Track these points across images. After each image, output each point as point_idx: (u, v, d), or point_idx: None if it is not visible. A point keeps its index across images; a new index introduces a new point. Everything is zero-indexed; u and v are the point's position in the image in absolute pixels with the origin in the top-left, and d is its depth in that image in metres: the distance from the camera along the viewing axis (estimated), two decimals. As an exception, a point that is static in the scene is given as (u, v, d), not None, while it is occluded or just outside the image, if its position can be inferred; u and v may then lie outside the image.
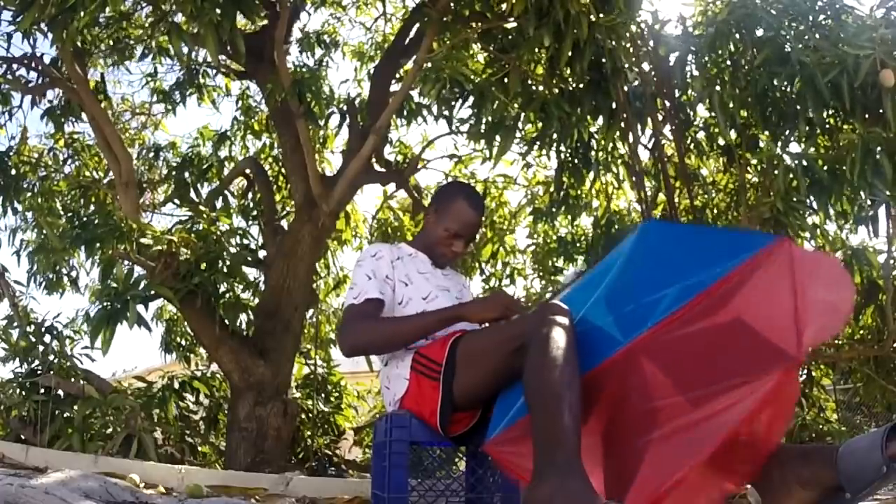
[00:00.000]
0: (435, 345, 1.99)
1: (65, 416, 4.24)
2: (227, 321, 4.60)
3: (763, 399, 1.34)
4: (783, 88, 3.44)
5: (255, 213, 6.02)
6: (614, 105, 3.89)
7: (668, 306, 1.42)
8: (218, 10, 3.50)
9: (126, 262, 4.44)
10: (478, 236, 2.27)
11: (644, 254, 1.62)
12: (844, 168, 3.22)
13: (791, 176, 3.36)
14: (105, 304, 4.05)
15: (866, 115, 3.27)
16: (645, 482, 1.34)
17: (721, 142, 3.96)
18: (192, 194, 5.97)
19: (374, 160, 5.30)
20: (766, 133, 3.71)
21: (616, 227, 5.26)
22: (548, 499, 1.30)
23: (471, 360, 1.87)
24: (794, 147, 3.53)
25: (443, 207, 2.28)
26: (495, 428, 1.66)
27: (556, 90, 3.89)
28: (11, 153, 5.44)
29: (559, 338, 1.53)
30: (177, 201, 6.02)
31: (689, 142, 4.22)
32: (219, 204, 5.71)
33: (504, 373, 1.75)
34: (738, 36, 3.41)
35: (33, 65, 5.01)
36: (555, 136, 4.01)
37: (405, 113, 5.20)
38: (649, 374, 1.41)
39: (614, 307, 1.55)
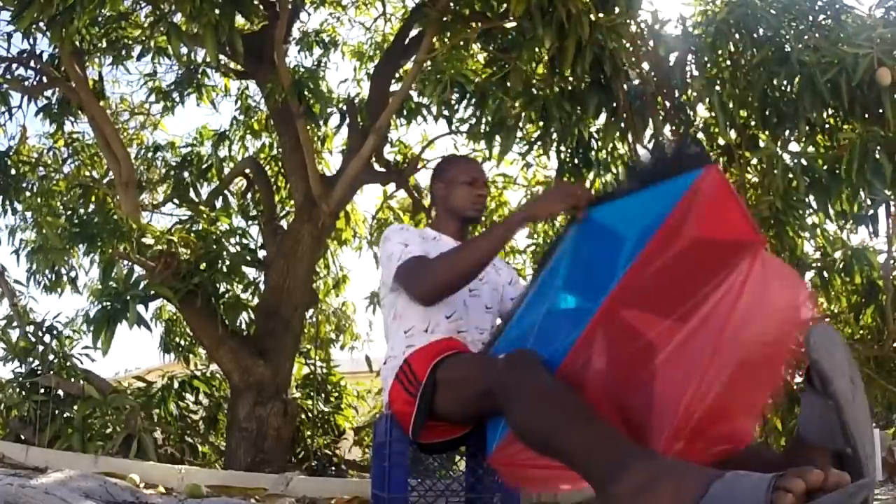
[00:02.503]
0: (424, 356, 1.95)
1: (65, 416, 4.24)
2: (227, 321, 4.60)
3: (744, 286, 1.38)
4: (783, 88, 3.44)
5: (254, 213, 6.02)
6: (615, 105, 3.89)
7: (626, 261, 1.42)
8: (217, 11, 3.50)
9: (126, 262, 4.45)
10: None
11: (587, 236, 1.65)
12: (844, 167, 3.22)
13: (790, 175, 3.36)
14: (105, 304, 4.05)
15: (866, 115, 3.28)
16: (664, 409, 1.32)
17: (721, 142, 3.96)
18: (192, 194, 5.97)
19: (374, 160, 5.30)
20: (766, 133, 3.71)
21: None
22: (641, 487, 1.13)
23: (450, 387, 1.82)
24: (794, 147, 3.54)
25: (446, 175, 2.28)
26: (492, 441, 1.64)
27: (557, 90, 3.89)
28: (11, 153, 5.44)
29: (527, 380, 1.42)
30: (176, 201, 6.02)
31: (689, 142, 4.22)
32: (218, 204, 5.71)
33: (480, 406, 1.71)
34: (737, 36, 3.42)
35: (32, 63, 5.02)
36: (555, 135, 4.01)
37: (405, 113, 5.20)
38: (632, 318, 1.40)
39: (576, 288, 1.57)
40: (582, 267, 1.59)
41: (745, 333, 1.38)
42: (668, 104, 3.98)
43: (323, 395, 5.75)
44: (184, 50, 4.70)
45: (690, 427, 1.30)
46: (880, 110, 3.18)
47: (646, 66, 3.92)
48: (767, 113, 3.48)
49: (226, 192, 5.92)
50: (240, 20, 4.47)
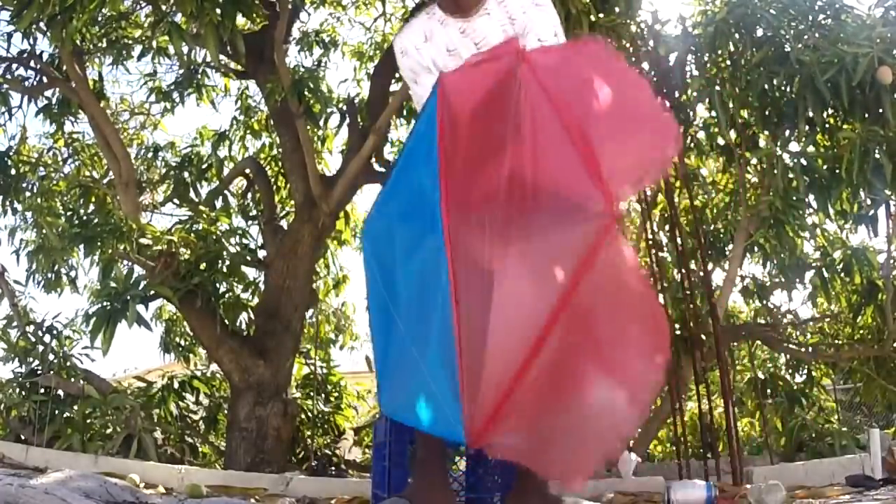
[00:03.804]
0: None
1: (65, 416, 4.24)
2: (227, 321, 4.60)
3: (529, 92, 1.30)
4: (783, 88, 3.44)
5: (254, 213, 6.02)
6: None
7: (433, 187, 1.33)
8: (218, 10, 3.50)
9: (126, 262, 4.44)
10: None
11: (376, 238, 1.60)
12: (844, 167, 3.22)
13: (791, 175, 3.36)
14: (105, 303, 4.05)
15: (865, 114, 3.27)
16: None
17: (721, 141, 3.97)
18: (192, 194, 5.96)
19: (374, 160, 5.29)
20: (766, 132, 3.71)
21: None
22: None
23: None
24: (794, 146, 3.54)
25: None
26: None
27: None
28: (11, 153, 5.44)
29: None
30: (176, 201, 6.01)
31: (689, 141, 4.22)
32: (218, 204, 5.70)
33: None
34: (737, 36, 3.42)
35: (32, 63, 5.01)
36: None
37: (405, 113, 5.20)
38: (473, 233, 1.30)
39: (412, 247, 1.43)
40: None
41: (578, 108, 1.32)
42: (668, 104, 3.99)
43: (323, 395, 5.74)
44: (185, 49, 4.69)
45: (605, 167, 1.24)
46: (880, 110, 3.18)
47: (646, 65, 3.92)
48: (767, 113, 3.48)
49: (226, 192, 5.92)
50: (240, 20, 4.46)
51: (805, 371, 5.66)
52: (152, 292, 4.20)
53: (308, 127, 4.80)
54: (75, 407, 4.27)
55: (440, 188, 1.29)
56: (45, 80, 5.09)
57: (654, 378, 1.25)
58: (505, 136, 1.32)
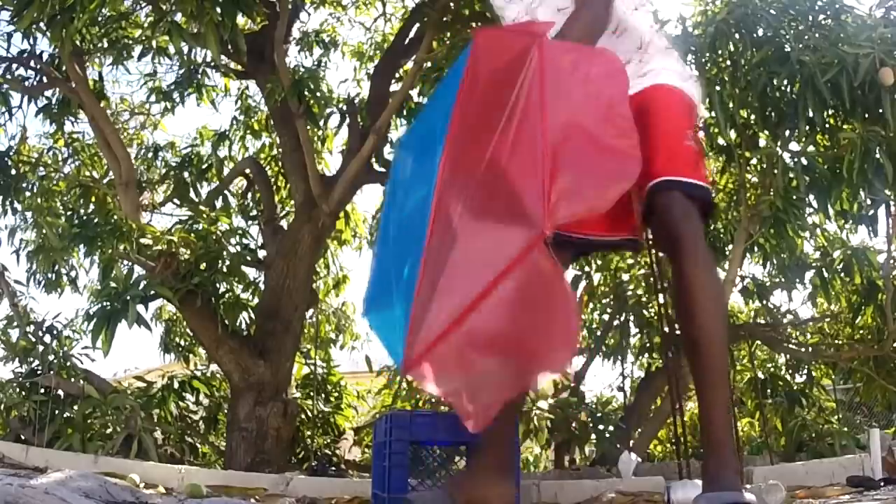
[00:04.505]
0: None
1: (65, 416, 4.24)
2: (227, 321, 4.60)
3: (543, 75, 1.42)
4: (783, 88, 3.44)
5: (254, 213, 6.02)
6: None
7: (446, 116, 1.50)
8: (218, 10, 3.50)
9: (126, 262, 4.44)
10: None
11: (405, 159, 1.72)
12: (844, 167, 3.22)
13: (791, 175, 3.36)
14: (105, 303, 4.05)
15: (866, 115, 3.27)
16: (530, 183, 1.38)
17: (721, 141, 3.96)
18: (192, 194, 5.96)
19: (374, 160, 5.30)
20: (766, 132, 3.71)
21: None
22: None
23: None
24: (794, 146, 3.54)
25: None
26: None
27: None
28: (11, 153, 5.44)
29: None
30: (176, 201, 6.01)
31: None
32: (218, 204, 5.71)
33: None
34: (737, 36, 3.41)
35: (32, 63, 5.01)
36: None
37: (405, 113, 5.20)
38: (470, 146, 1.46)
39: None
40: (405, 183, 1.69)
41: (563, 114, 1.44)
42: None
43: (323, 395, 5.74)
44: (185, 48, 4.69)
45: (556, 187, 1.37)
46: (881, 110, 3.18)
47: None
48: (767, 113, 3.47)
49: (226, 192, 5.92)
50: (240, 20, 4.46)
51: (805, 371, 5.66)
52: (152, 292, 4.20)
53: (308, 127, 4.80)
54: (75, 407, 4.27)
55: (444, 147, 1.47)
56: (45, 80, 5.09)
57: (554, 363, 1.49)
58: (501, 116, 1.44)
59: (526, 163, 1.41)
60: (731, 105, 3.49)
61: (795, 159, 3.37)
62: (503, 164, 1.42)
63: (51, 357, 4.51)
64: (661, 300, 3.68)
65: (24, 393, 4.32)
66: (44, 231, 5.24)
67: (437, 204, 1.43)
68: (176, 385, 5.12)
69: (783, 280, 4.81)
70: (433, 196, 1.44)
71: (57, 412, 4.19)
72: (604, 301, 5.32)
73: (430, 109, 1.78)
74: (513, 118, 1.43)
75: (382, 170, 5.62)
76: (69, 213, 5.57)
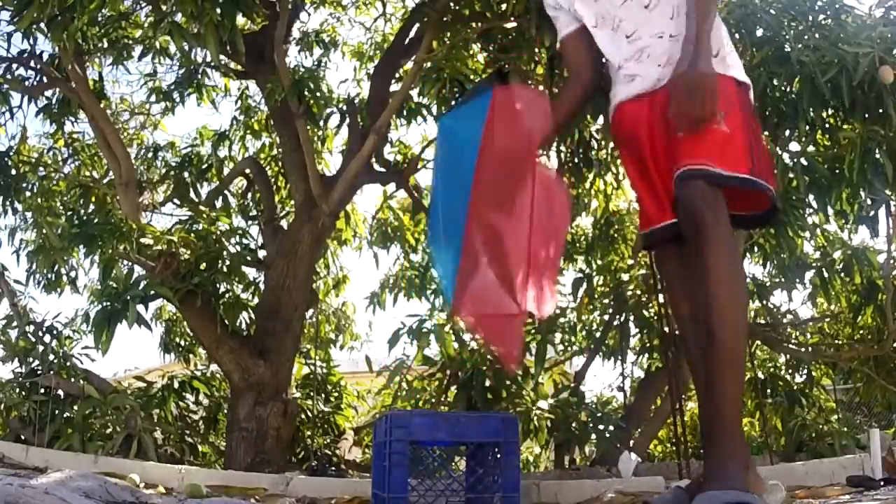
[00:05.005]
0: None
1: (65, 416, 4.24)
2: (227, 321, 4.60)
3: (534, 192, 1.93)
4: (783, 88, 3.44)
5: (254, 213, 6.02)
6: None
7: (471, 162, 1.98)
8: (218, 10, 3.50)
9: (126, 262, 4.44)
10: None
11: (446, 139, 2.20)
12: (844, 167, 3.22)
13: (791, 175, 3.36)
14: (105, 304, 4.05)
15: (866, 114, 3.27)
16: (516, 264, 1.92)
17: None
18: (192, 194, 5.96)
19: (374, 160, 5.29)
20: (766, 132, 3.71)
21: (616, 227, 5.25)
22: None
23: None
24: (794, 146, 3.54)
25: None
26: (449, 292, 2.04)
27: (557, 90, 3.89)
28: (11, 153, 5.44)
29: None
30: (176, 201, 6.01)
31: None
32: (218, 204, 5.70)
33: None
34: (737, 36, 3.41)
35: (32, 63, 5.01)
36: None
37: (405, 113, 5.20)
38: (485, 212, 1.95)
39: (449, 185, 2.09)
40: (448, 167, 2.13)
41: (542, 222, 1.93)
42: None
43: (323, 395, 5.74)
44: (185, 47, 4.69)
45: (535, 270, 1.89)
46: (881, 110, 3.18)
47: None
48: (767, 113, 3.47)
49: (226, 192, 5.92)
50: (240, 20, 4.46)
51: (805, 371, 5.66)
52: (152, 292, 4.20)
53: (308, 127, 4.80)
54: (75, 407, 4.27)
55: (471, 188, 1.98)
56: (45, 80, 5.09)
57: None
58: (510, 197, 1.97)
59: (517, 243, 1.90)
60: (731, 105, 3.48)
61: (795, 159, 3.37)
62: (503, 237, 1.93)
63: (51, 357, 4.51)
64: (661, 300, 3.68)
65: (24, 393, 4.32)
66: (44, 231, 5.25)
67: (469, 228, 1.95)
68: (176, 385, 5.12)
69: (783, 280, 4.82)
70: (466, 218, 1.95)
71: (57, 412, 4.19)
72: (604, 301, 5.32)
73: (464, 118, 2.22)
74: (512, 214, 1.93)
75: (382, 170, 5.62)
76: (69, 213, 5.57)
